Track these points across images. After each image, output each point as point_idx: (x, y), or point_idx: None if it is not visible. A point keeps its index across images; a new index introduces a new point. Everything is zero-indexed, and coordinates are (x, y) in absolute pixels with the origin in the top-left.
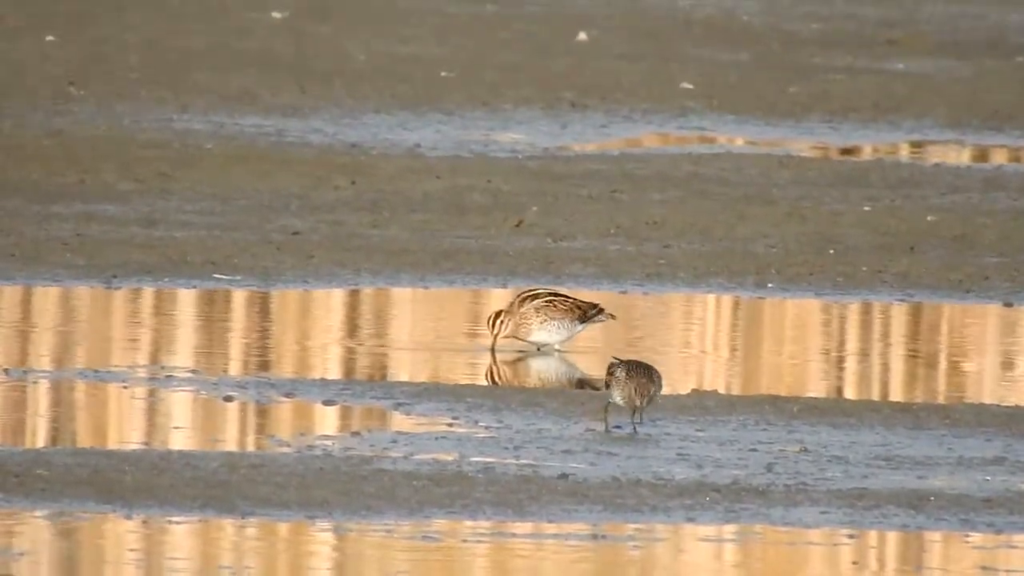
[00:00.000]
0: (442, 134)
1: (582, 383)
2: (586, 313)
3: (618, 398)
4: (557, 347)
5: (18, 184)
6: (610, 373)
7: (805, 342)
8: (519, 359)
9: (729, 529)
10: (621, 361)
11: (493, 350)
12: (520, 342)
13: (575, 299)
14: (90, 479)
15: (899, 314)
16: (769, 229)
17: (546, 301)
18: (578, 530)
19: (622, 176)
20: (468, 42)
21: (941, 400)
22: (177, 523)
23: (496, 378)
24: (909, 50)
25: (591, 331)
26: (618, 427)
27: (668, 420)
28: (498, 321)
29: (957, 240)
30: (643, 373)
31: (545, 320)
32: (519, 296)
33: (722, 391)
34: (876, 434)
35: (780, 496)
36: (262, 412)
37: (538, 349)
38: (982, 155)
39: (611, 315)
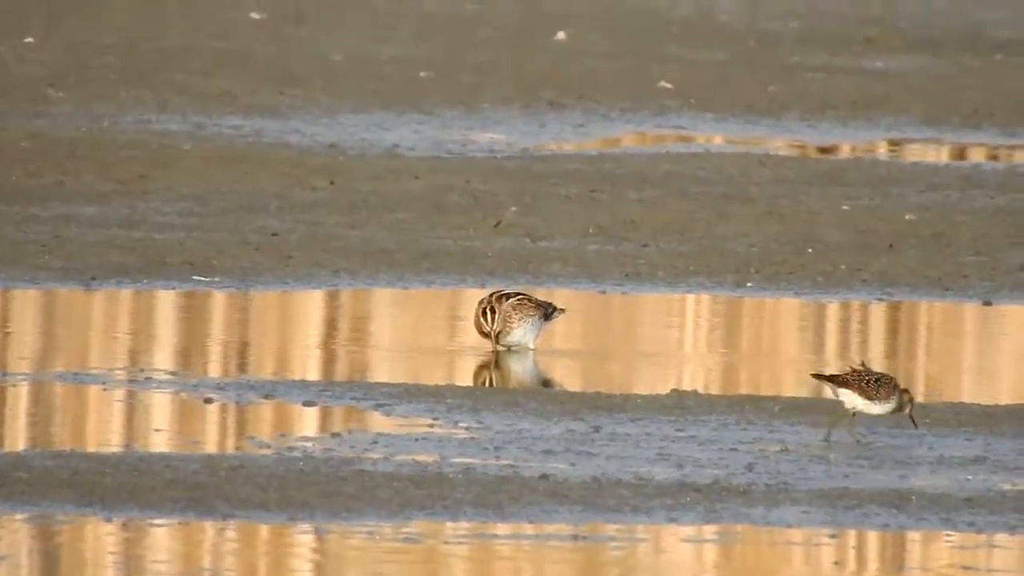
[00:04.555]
0: (420, 134)
1: (559, 383)
2: (547, 310)
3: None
4: (531, 346)
5: None
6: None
7: (785, 341)
8: (497, 360)
9: (710, 529)
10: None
11: (496, 347)
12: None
13: (536, 298)
14: (70, 481)
15: (878, 312)
16: (748, 228)
17: (519, 300)
18: (558, 531)
19: (600, 176)
20: (446, 42)
21: (921, 399)
22: (157, 525)
23: (476, 379)
24: (887, 48)
25: (570, 331)
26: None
27: (648, 420)
28: (494, 316)
29: (936, 239)
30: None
31: (523, 318)
32: (490, 296)
33: (702, 391)
34: (855, 435)
35: (761, 496)
36: (242, 414)
37: (509, 350)
38: (960, 153)
39: (562, 310)
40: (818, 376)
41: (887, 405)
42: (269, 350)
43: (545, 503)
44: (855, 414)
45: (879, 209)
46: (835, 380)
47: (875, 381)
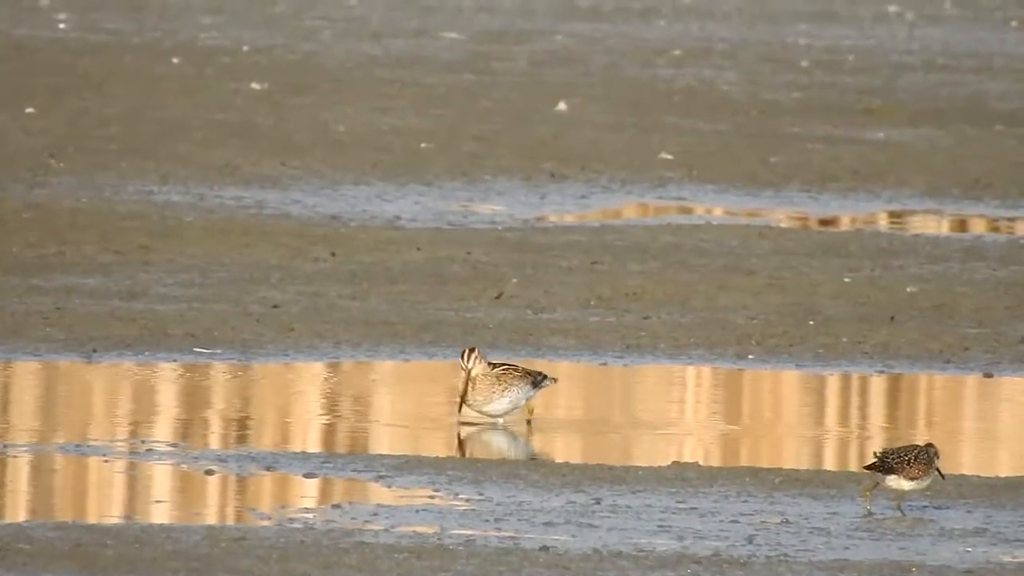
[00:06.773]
0: (422, 205)
1: (560, 455)
2: (535, 379)
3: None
4: (528, 415)
5: None
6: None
7: (786, 413)
8: (495, 431)
9: None
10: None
11: (464, 393)
12: (476, 415)
13: (523, 367)
14: (72, 553)
15: (879, 384)
16: (749, 300)
17: (503, 369)
18: None
19: (601, 247)
20: (447, 112)
21: None
22: None
23: (475, 449)
24: (888, 119)
25: (570, 402)
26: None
27: (649, 492)
28: (473, 356)
29: (937, 310)
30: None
31: (506, 388)
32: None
33: (703, 463)
34: (857, 505)
35: (761, 568)
36: (243, 485)
37: (496, 421)
38: (961, 225)
39: (553, 379)
40: (867, 467)
41: (927, 481)
42: (270, 422)
43: (546, 575)
44: (882, 486)
45: (880, 281)
46: (882, 468)
47: (915, 459)
